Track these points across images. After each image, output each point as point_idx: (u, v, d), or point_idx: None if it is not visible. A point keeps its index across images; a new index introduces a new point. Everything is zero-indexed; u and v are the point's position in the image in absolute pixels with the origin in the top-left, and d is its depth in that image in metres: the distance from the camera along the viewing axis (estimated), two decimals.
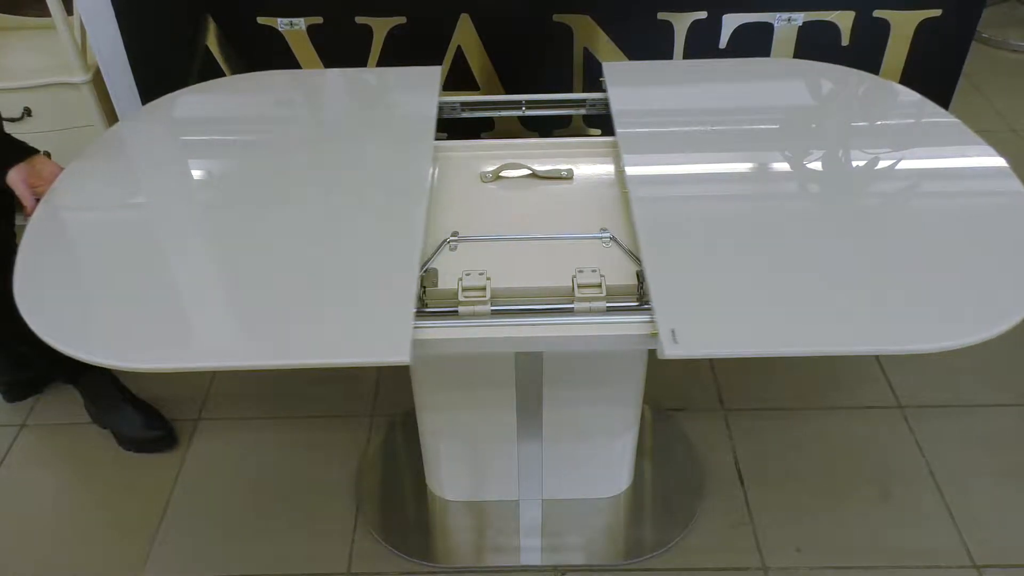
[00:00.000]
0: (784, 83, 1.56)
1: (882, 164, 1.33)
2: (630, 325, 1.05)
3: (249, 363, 1.00)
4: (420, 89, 1.53)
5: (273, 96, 1.55)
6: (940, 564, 1.53)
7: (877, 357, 1.96)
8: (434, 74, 1.56)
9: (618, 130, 1.40)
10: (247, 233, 1.21)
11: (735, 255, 1.14)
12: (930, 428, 1.79)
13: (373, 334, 1.02)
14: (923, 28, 1.85)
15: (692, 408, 1.86)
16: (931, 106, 1.48)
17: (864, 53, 1.88)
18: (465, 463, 1.57)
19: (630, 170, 1.30)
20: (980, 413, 1.82)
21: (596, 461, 1.57)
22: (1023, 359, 1.93)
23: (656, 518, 1.61)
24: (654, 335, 1.03)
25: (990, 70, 3.10)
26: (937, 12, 1.83)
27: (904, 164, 1.33)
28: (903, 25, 1.85)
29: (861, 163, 1.33)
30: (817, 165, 1.33)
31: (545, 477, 1.57)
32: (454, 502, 1.64)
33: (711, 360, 1.94)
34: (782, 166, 1.33)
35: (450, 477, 1.61)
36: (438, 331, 1.06)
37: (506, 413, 1.44)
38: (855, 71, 1.60)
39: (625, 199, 1.29)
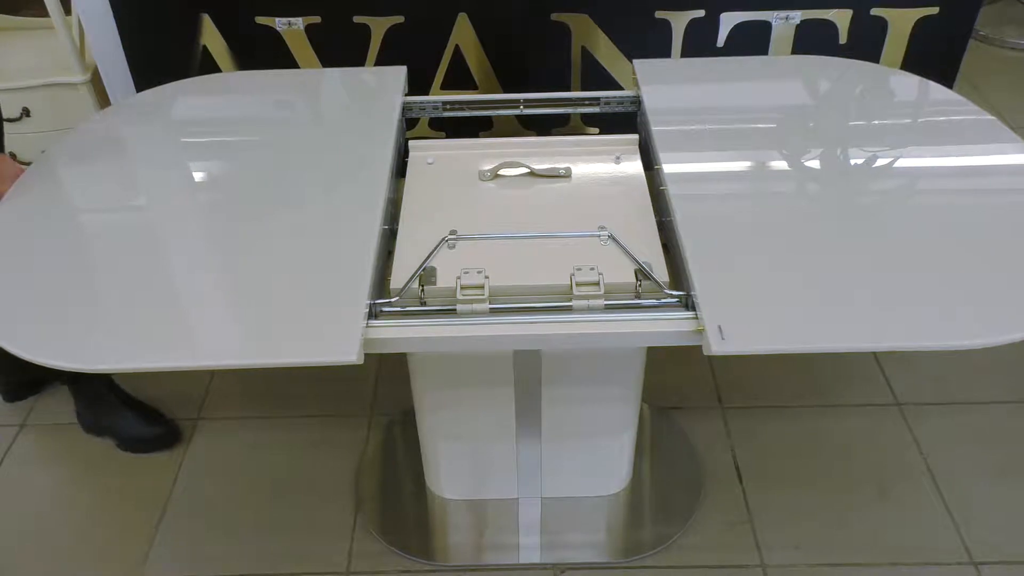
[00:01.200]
0: (820, 81, 1.56)
1: (922, 161, 1.33)
2: (674, 322, 1.06)
3: (204, 363, 1.01)
4: (386, 89, 1.54)
5: (238, 98, 1.55)
6: (938, 561, 1.54)
7: (875, 355, 1.96)
8: (399, 73, 1.57)
9: (654, 128, 1.40)
10: (203, 234, 1.21)
11: (775, 251, 1.14)
12: (928, 426, 1.79)
13: (324, 334, 1.02)
14: (920, 26, 1.86)
15: (690, 406, 1.86)
16: (971, 106, 1.46)
17: (862, 51, 1.89)
18: (464, 462, 1.57)
19: (668, 167, 1.30)
20: (978, 410, 1.82)
21: (595, 459, 1.57)
22: (1020, 357, 1.94)
23: (655, 516, 1.62)
24: (700, 331, 1.03)
25: (987, 68, 3.10)
26: (934, 10, 1.84)
27: (946, 161, 1.33)
28: (900, 23, 1.86)
29: (899, 159, 1.33)
30: (855, 161, 1.33)
31: (544, 475, 1.58)
32: (453, 501, 1.65)
33: (709, 358, 1.94)
34: (818, 163, 1.33)
35: (449, 476, 1.61)
36: (437, 330, 1.06)
37: (505, 412, 1.44)
38: (896, 71, 1.60)
39: (623, 197, 1.30)
